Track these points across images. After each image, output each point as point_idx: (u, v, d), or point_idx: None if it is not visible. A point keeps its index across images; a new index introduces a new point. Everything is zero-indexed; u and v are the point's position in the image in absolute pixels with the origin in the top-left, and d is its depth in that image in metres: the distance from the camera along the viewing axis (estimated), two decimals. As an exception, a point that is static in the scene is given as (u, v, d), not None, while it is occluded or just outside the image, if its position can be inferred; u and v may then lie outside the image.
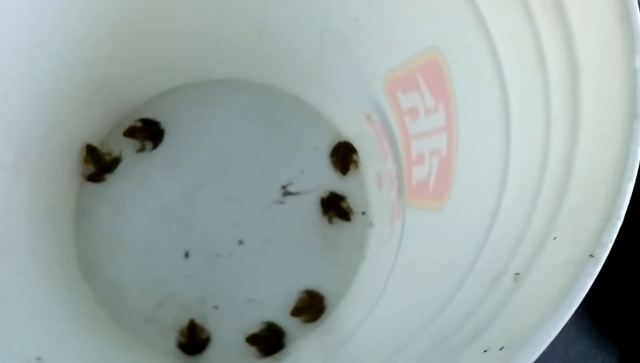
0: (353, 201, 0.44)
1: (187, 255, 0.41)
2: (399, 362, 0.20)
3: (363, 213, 0.43)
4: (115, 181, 0.41)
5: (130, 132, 0.41)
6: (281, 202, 0.43)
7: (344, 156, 0.44)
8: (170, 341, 0.39)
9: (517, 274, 0.18)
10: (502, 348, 0.17)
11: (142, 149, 0.42)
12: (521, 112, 0.22)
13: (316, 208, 0.43)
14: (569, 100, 0.19)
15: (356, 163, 0.44)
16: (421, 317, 0.21)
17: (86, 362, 0.29)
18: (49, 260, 0.32)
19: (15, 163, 0.30)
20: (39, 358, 0.22)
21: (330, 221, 0.43)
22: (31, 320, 0.26)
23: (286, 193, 0.43)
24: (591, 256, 0.16)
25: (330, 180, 0.44)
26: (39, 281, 0.30)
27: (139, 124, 0.42)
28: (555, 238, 0.18)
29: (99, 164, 0.40)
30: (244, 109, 0.45)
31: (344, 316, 0.40)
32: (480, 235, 0.22)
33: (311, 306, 0.41)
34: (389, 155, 0.39)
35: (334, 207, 0.43)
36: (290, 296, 0.41)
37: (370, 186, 0.44)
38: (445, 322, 0.20)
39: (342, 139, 0.45)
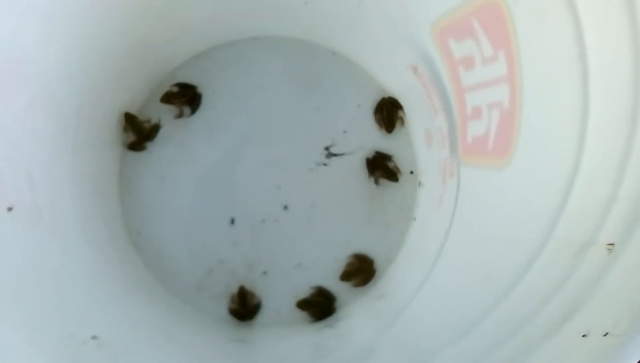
0: (400, 160, 0.42)
1: (232, 221, 0.40)
2: (463, 346, 0.19)
3: (411, 173, 0.42)
4: (156, 148, 0.40)
5: (167, 98, 0.40)
6: (325, 164, 0.42)
7: (388, 113, 0.42)
8: (222, 307, 0.39)
9: (612, 244, 0.16)
10: (607, 334, 0.15)
11: (180, 115, 0.41)
12: (602, 53, 0.19)
13: (361, 170, 0.42)
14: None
15: (402, 120, 0.42)
16: (488, 293, 0.20)
17: (141, 334, 0.29)
18: (97, 234, 0.32)
19: (55, 135, 0.30)
20: (94, 337, 0.22)
21: (377, 182, 0.41)
22: (84, 298, 0.26)
23: (329, 155, 0.42)
24: None
25: (375, 139, 0.42)
26: (89, 258, 0.30)
27: (175, 89, 0.41)
28: None
29: (138, 133, 0.39)
30: (281, 67, 0.43)
31: (395, 281, 0.39)
32: (556, 198, 0.20)
33: (361, 271, 0.40)
34: (440, 110, 0.36)
35: (381, 167, 0.42)
36: (339, 261, 0.40)
37: (418, 144, 0.42)
38: (520, 300, 0.18)
39: (386, 95, 0.43)
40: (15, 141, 0.26)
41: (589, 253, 0.17)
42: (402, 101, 0.42)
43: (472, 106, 0.31)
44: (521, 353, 0.16)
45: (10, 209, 0.24)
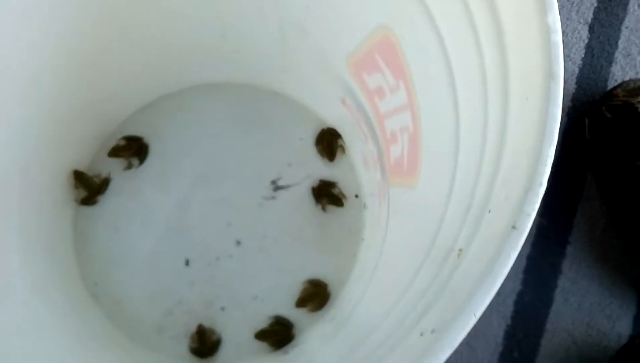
0: (344, 186, 0.44)
1: (187, 262, 0.42)
2: (367, 345, 0.21)
3: (356, 196, 0.44)
4: (108, 201, 0.42)
5: (115, 152, 0.43)
6: (273, 197, 0.44)
7: (329, 143, 0.45)
8: (183, 347, 0.40)
9: (460, 250, 0.19)
10: (433, 331, 0.17)
11: (129, 167, 0.43)
12: (463, 83, 0.22)
13: (308, 199, 0.44)
14: (500, 66, 0.19)
15: (342, 148, 0.45)
16: (391, 297, 0.22)
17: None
18: (51, 289, 0.34)
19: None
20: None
21: (324, 209, 0.44)
22: (43, 353, 0.28)
23: (277, 188, 0.44)
24: (514, 227, 0.16)
25: (318, 168, 0.45)
26: (45, 313, 0.31)
27: (122, 143, 0.43)
28: (490, 211, 0.18)
29: (89, 188, 0.41)
30: (224, 111, 0.46)
31: (346, 300, 0.41)
32: (441, 211, 0.22)
33: (315, 295, 0.42)
34: (368, 137, 0.39)
35: (326, 195, 0.44)
36: (294, 288, 0.42)
37: (358, 168, 0.44)
38: (406, 303, 0.20)
39: (325, 126, 0.45)
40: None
41: (449, 258, 0.19)
42: (340, 130, 0.45)
43: (390, 130, 0.34)
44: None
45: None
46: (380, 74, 0.32)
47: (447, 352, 0.17)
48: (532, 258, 0.46)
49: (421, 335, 0.17)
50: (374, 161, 0.39)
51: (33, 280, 0.32)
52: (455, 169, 0.22)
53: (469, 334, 0.45)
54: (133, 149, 0.43)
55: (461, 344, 0.44)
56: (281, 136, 0.46)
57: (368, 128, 0.38)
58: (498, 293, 0.45)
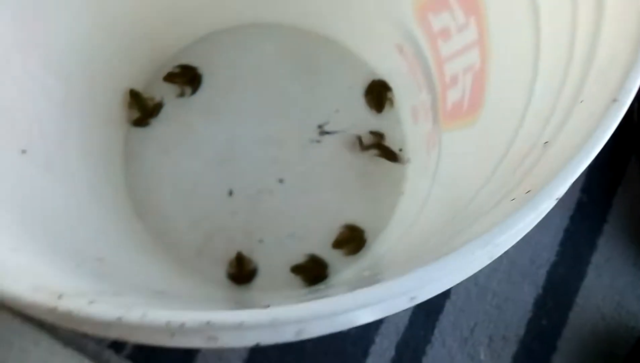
0: (390, 139, 0.45)
1: (230, 193, 0.43)
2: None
3: (400, 150, 0.44)
4: (159, 125, 0.43)
5: (170, 78, 0.43)
6: (318, 141, 0.45)
7: (378, 94, 0.45)
8: (221, 272, 0.41)
9: (546, 142, 0.19)
10: (528, 191, 0.18)
11: (182, 95, 0.44)
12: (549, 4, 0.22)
13: (352, 147, 0.44)
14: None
15: (391, 101, 0.45)
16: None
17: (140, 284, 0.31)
18: (103, 192, 0.35)
19: (64, 99, 0.33)
20: (100, 259, 0.25)
21: (374, 158, 0.44)
22: (89, 238, 0.29)
23: (323, 132, 0.45)
24: (615, 100, 0.16)
25: (365, 119, 0.45)
26: (94, 210, 0.33)
27: (177, 70, 0.44)
28: (582, 101, 0.18)
29: (142, 109, 0.42)
30: (276, 51, 0.46)
31: (382, 249, 0.41)
32: (507, 139, 0.23)
33: (352, 240, 0.43)
34: (423, 85, 0.39)
35: (377, 147, 0.44)
36: (331, 231, 0.43)
37: (405, 122, 0.44)
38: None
39: (375, 78, 0.45)
40: (27, 92, 0.29)
41: (530, 154, 0.20)
42: (390, 82, 0.45)
43: (450, 74, 0.34)
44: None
45: (24, 151, 0.27)
46: (448, 12, 0.32)
47: (545, 203, 0.17)
48: (569, 231, 0.46)
49: (512, 200, 0.18)
50: (425, 112, 0.39)
51: (87, 178, 0.33)
52: (535, 82, 0.22)
53: (499, 297, 0.45)
54: (187, 77, 0.44)
55: (490, 306, 0.44)
56: (330, 83, 0.46)
57: (424, 76, 0.38)
58: (532, 262, 0.45)
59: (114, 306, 0.17)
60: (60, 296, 0.17)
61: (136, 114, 0.42)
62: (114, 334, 0.19)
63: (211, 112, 0.44)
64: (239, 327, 0.17)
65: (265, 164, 0.44)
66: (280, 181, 0.43)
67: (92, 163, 0.35)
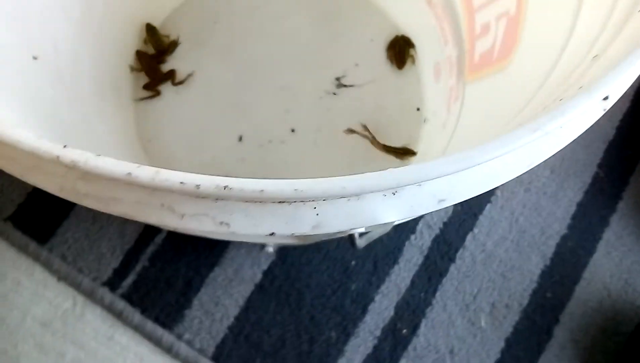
0: (408, 97, 0.44)
1: (240, 139, 0.42)
2: None
3: (417, 109, 0.43)
4: (172, 63, 0.42)
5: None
6: (334, 93, 0.43)
7: (401, 49, 0.44)
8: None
9: (596, 55, 0.18)
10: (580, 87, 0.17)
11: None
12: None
13: (369, 102, 0.43)
14: None
15: (413, 58, 0.44)
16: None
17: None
18: (111, 121, 0.34)
19: (81, 20, 0.32)
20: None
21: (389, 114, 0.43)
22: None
23: (340, 85, 0.44)
24: None
25: (385, 74, 0.44)
26: (100, 131, 0.32)
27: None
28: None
29: (158, 44, 0.41)
30: (304, 1, 0.45)
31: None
32: (555, 56, 0.22)
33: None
34: (450, 39, 0.38)
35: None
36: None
37: (426, 80, 0.43)
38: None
39: (399, 33, 0.44)
40: (45, 7, 0.27)
41: (581, 66, 0.19)
42: (414, 39, 0.44)
43: (481, 24, 0.33)
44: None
45: (35, 58, 0.26)
46: (486, -43, 0.31)
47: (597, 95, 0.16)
48: (583, 205, 0.45)
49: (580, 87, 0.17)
50: (449, 66, 0.38)
51: (97, 103, 0.32)
52: (580, 9, 0.21)
53: (505, 265, 0.45)
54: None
55: (495, 273, 0.44)
56: (352, 35, 0.45)
57: (452, 28, 0.37)
58: (542, 232, 0.44)
59: (124, 164, 0.16)
60: (65, 146, 0.16)
61: (151, 50, 0.41)
62: (118, 209, 0.18)
63: (226, 55, 0.43)
64: (260, 195, 0.15)
65: (279, 113, 0.42)
66: (292, 130, 0.42)
67: (102, 88, 0.34)
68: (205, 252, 0.43)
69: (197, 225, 0.18)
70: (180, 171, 0.41)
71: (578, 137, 0.47)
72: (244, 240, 0.25)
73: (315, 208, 0.18)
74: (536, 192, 0.45)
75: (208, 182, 0.15)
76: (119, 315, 0.41)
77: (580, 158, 0.46)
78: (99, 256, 0.42)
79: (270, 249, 0.44)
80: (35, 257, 0.42)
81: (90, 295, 0.42)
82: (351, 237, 0.24)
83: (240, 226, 0.18)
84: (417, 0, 0.40)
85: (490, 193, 0.45)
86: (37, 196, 0.43)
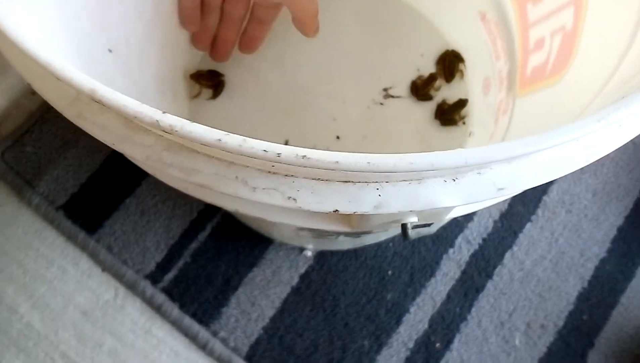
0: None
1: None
2: None
3: (463, 123, 0.44)
4: (227, 69, 0.43)
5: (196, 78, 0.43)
6: (381, 104, 0.44)
7: (450, 64, 0.44)
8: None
9: None
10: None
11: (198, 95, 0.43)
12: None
13: (415, 113, 0.44)
14: None
15: (462, 73, 0.44)
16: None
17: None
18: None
19: (152, 19, 0.33)
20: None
21: (436, 126, 0.43)
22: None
23: (387, 96, 0.44)
24: None
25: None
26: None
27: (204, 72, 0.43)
28: None
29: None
30: (354, 11, 0.45)
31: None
32: (610, 71, 0.23)
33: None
34: (502, 54, 0.38)
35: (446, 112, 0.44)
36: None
37: (474, 94, 0.43)
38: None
39: (449, 48, 0.45)
40: (120, 3, 0.29)
41: None
42: (464, 54, 0.44)
43: (535, 39, 0.33)
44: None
45: (110, 51, 0.27)
46: (544, -24, 0.31)
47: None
48: (623, 230, 0.45)
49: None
50: (500, 81, 0.39)
51: (157, 100, 0.34)
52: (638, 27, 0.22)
53: (543, 285, 0.45)
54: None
55: (532, 292, 0.44)
56: (403, 48, 0.45)
57: (505, 43, 0.37)
58: (581, 254, 0.44)
59: (214, 131, 0.17)
60: (164, 112, 0.17)
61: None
62: (198, 179, 0.19)
63: (280, 61, 0.44)
64: (335, 165, 0.16)
65: (325, 120, 0.43)
66: (337, 138, 0.43)
67: (163, 86, 0.35)
68: (245, 252, 0.44)
69: (267, 198, 0.19)
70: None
71: (621, 161, 0.47)
72: (301, 223, 0.26)
73: (377, 189, 0.19)
74: (577, 214, 0.45)
75: (288, 151, 0.16)
76: (157, 309, 0.42)
77: (622, 182, 0.46)
78: (143, 249, 0.43)
79: (309, 253, 0.44)
80: (82, 247, 0.43)
81: (132, 287, 0.43)
82: (404, 227, 0.25)
83: (306, 201, 0.19)
84: (470, 15, 0.41)
85: (531, 211, 0.45)
86: (90, 188, 0.44)
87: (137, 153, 0.20)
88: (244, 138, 0.16)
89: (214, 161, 0.20)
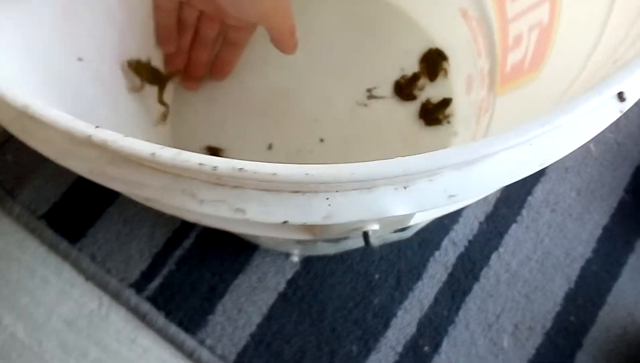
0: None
1: (270, 147, 0.43)
2: None
3: (448, 122, 0.43)
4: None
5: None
6: (365, 105, 0.44)
7: (434, 62, 0.43)
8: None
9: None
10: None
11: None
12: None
13: (398, 114, 0.44)
14: None
15: (445, 71, 0.43)
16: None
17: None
18: (145, 124, 0.35)
19: (127, 26, 0.33)
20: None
21: (419, 126, 0.43)
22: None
23: (371, 96, 0.44)
24: None
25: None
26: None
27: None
28: None
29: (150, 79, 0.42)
30: (336, 12, 0.45)
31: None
32: (565, 82, 0.23)
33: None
34: (483, 51, 0.38)
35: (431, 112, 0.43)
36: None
37: (458, 92, 0.43)
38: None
39: (433, 46, 0.44)
40: (93, 10, 0.29)
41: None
42: (447, 52, 0.43)
43: (513, 35, 0.33)
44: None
45: (80, 59, 0.27)
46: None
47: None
48: (608, 229, 0.45)
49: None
50: (481, 78, 0.39)
51: (133, 105, 0.34)
52: (608, 18, 0.22)
53: (529, 286, 0.44)
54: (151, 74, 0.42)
55: (519, 294, 0.43)
56: (386, 46, 0.44)
57: (486, 40, 0.37)
58: (566, 255, 0.44)
59: (149, 144, 0.16)
60: (97, 127, 0.16)
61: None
62: (143, 193, 0.19)
63: (261, 63, 0.43)
64: (272, 177, 0.16)
65: (308, 122, 0.43)
66: (321, 140, 0.43)
67: (137, 100, 0.35)
68: (231, 259, 0.43)
69: (215, 210, 0.19)
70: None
71: (605, 161, 0.47)
72: (262, 233, 0.26)
73: (327, 198, 0.19)
74: (562, 213, 0.45)
75: (225, 164, 0.16)
76: (143, 318, 0.42)
77: (607, 181, 0.46)
78: (127, 258, 0.43)
79: (295, 258, 0.44)
80: (65, 256, 0.42)
81: (116, 296, 0.42)
82: (365, 235, 0.24)
83: (255, 213, 0.19)
84: (452, 13, 0.41)
85: (516, 212, 0.45)
86: (72, 196, 0.44)
87: (80, 167, 0.19)
88: (178, 150, 0.16)
89: (160, 174, 0.19)
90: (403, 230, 0.30)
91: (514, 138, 0.17)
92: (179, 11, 0.37)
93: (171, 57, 0.40)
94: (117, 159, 0.19)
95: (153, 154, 0.16)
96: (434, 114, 0.43)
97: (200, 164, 0.16)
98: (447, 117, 0.43)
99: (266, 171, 0.16)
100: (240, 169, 0.16)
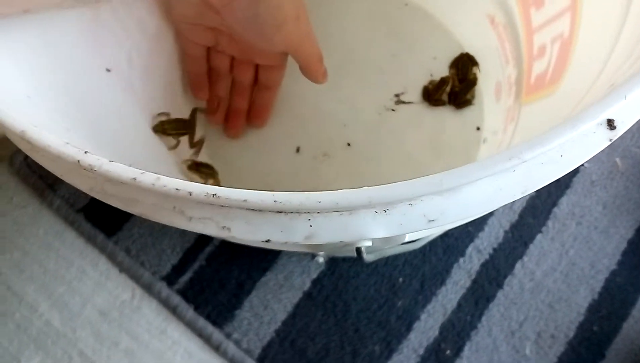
0: (469, 116, 0.43)
1: (298, 150, 0.44)
2: None
3: (477, 129, 0.44)
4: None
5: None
6: (392, 110, 0.45)
7: (464, 67, 0.44)
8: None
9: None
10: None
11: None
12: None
13: (427, 120, 0.44)
14: None
15: (475, 76, 0.44)
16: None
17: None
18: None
19: (156, 34, 0.34)
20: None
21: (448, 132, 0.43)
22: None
23: (399, 102, 0.45)
24: None
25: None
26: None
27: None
28: None
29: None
30: (366, 16, 0.46)
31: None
32: (594, 78, 0.23)
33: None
34: (510, 59, 0.38)
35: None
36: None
37: (487, 99, 0.43)
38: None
39: (464, 51, 0.44)
40: (122, 21, 0.30)
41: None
42: (477, 57, 0.44)
43: (538, 45, 0.33)
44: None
45: (108, 70, 0.28)
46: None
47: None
48: (634, 243, 0.45)
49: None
50: (509, 87, 0.39)
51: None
52: (621, 32, 0.23)
53: (553, 296, 0.45)
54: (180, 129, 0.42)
55: (543, 303, 0.44)
56: (415, 51, 0.45)
57: (513, 47, 0.38)
58: (591, 266, 0.44)
59: (131, 169, 0.18)
60: (86, 152, 0.18)
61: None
62: (137, 209, 0.20)
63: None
64: (243, 204, 0.17)
65: (336, 127, 0.43)
66: (348, 144, 0.43)
67: (168, 100, 0.36)
68: (259, 257, 0.45)
69: (202, 228, 0.19)
70: (241, 178, 0.43)
71: (632, 175, 0.47)
72: (264, 245, 0.27)
73: (309, 219, 0.19)
74: (587, 226, 0.45)
75: (199, 189, 0.17)
76: (173, 310, 0.43)
77: (633, 196, 0.46)
78: (160, 252, 0.44)
79: (321, 259, 0.45)
80: (101, 248, 0.44)
81: (148, 288, 0.44)
82: (358, 250, 0.25)
83: (239, 231, 0.19)
84: (480, 18, 0.41)
85: (541, 223, 0.45)
86: (110, 191, 0.46)
87: (82, 184, 0.21)
88: (158, 176, 0.17)
89: (152, 192, 0.20)
90: (410, 242, 0.31)
91: (479, 171, 0.17)
92: (209, 59, 0.38)
93: (211, 108, 0.41)
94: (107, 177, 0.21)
95: (134, 179, 0.18)
96: (462, 96, 0.43)
97: (176, 189, 0.17)
98: (474, 97, 0.43)
99: (237, 198, 0.17)
100: (214, 195, 0.17)
